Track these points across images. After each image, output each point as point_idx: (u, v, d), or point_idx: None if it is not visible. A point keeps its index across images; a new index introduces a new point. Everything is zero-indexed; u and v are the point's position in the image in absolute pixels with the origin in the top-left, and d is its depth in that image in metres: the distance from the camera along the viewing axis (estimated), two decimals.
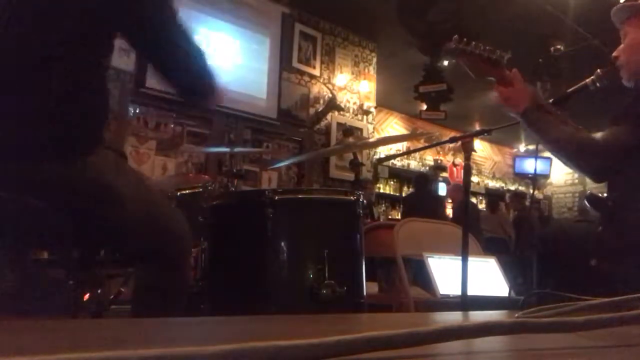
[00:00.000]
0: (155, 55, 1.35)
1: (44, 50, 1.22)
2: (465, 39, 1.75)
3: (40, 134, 1.21)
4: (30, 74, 1.21)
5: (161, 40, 1.32)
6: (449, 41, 1.76)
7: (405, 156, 8.72)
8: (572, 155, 1.66)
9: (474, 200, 8.62)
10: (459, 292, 1.87)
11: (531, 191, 9.01)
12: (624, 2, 1.79)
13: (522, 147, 10.04)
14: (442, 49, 1.94)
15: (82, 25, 1.25)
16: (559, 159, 1.73)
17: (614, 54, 1.78)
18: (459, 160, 7.66)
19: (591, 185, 9.79)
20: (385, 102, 7.83)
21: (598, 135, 1.62)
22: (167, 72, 1.37)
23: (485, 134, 2.20)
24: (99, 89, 1.30)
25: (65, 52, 1.23)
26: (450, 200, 6.96)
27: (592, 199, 1.77)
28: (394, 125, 8.81)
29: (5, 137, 1.19)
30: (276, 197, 1.59)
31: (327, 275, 1.52)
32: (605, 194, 1.74)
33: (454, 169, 8.80)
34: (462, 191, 2.07)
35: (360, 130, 6.23)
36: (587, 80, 1.79)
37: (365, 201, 1.76)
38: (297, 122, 5.73)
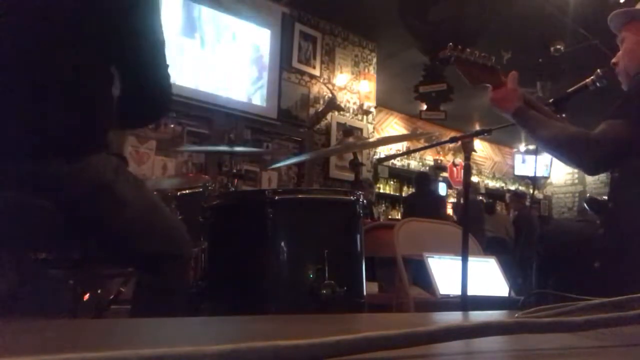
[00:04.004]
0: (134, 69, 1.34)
1: (51, 52, 1.22)
2: (460, 47, 1.74)
3: (41, 133, 1.21)
4: (37, 74, 1.22)
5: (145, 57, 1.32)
6: (445, 49, 1.75)
7: (405, 156, 8.72)
8: (568, 149, 1.64)
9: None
10: (459, 292, 1.87)
11: (531, 191, 9.01)
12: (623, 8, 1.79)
13: (522, 147, 10.04)
14: (438, 56, 1.93)
15: (90, 31, 1.26)
16: (555, 155, 1.72)
17: (613, 60, 1.78)
18: (459, 160, 7.66)
19: (591, 186, 9.80)
20: (385, 102, 7.83)
21: (595, 130, 1.61)
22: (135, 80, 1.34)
23: (485, 134, 2.20)
24: (105, 93, 1.30)
25: (73, 54, 1.23)
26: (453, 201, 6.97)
27: (592, 202, 1.77)
28: (394, 125, 8.81)
29: (7, 136, 1.20)
30: (276, 197, 1.59)
31: (327, 275, 1.52)
32: (604, 197, 1.74)
33: (454, 169, 8.80)
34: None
35: (360, 130, 6.23)
36: (587, 80, 1.79)
37: (365, 201, 1.75)
38: (297, 122, 5.73)
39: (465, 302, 1.84)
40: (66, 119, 1.23)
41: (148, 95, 1.34)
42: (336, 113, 6.05)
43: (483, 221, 6.23)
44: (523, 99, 1.73)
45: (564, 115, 1.81)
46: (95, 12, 1.27)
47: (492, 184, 10.32)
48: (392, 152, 7.92)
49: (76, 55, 1.24)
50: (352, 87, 6.27)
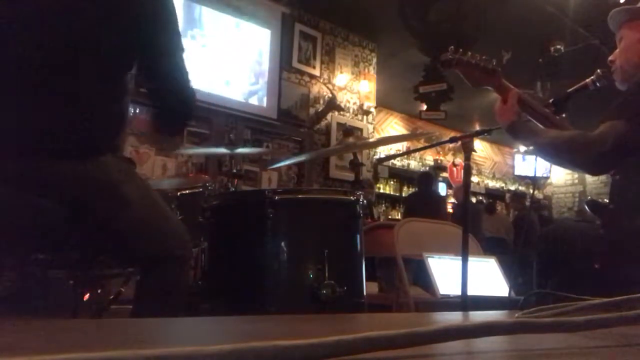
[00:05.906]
0: (160, 80, 1.37)
1: (65, 56, 1.24)
2: (461, 49, 1.75)
3: (48, 133, 1.22)
4: (48, 77, 1.23)
5: (167, 66, 1.36)
6: (446, 51, 1.76)
7: (405, 156, 8.72)
8: (568, 150, 1.65)
9: (474, 200, 8.61)
10: (459, 292, 1.87)
11: (531, 191, 9.01)
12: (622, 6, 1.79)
13: (522, 147, 10.03)
14: (439, 59, 1.95)
15: (105, 38, 1.27)
16: (556, 160, 1.74)
17: (610, 58, 1.78)
18: (459, 160, 7.65)
19: (591, 186, 9.80)
20: (385, 102, 7.83)
21: (595, 131, 1.62)
22: (161, 90, 1.38)
23: (485, 134, 2.20)
24: (116, 97, 1.32)
25: (92, 60, 1.25)
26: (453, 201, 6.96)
27: (592, 204, 1.76)
28: (394, 125, 8.81)
29: (15, 136, 1.20)
30: (276, 197, 1.59)
31: (327, 275, 1.52)
32: (605, 199, 1.74)
33: (454, 169, 8.79)
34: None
35: (360, 130, 6.23)
36: (587, 80, 1.79)
37: (365, 201, 1.75)
38: (297, 122, 5.73)
39: (465, 302, 1.84)
40: (73, 121, 1.24)
41: (173, 101, 1.38)
42: (336, 113, 6.05)
43: (481, 223, 6.21)
44: (519, 116, 1.74)
45: (564, 115, 1.81)
46: (110, 20, 1.28)
47: (492, 184, 10.31)
48: (392, 152, 7.92)
49: (90, 60, 1.26)
50: (352, 87, 6.27)
